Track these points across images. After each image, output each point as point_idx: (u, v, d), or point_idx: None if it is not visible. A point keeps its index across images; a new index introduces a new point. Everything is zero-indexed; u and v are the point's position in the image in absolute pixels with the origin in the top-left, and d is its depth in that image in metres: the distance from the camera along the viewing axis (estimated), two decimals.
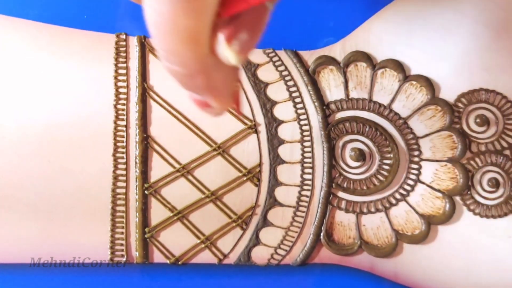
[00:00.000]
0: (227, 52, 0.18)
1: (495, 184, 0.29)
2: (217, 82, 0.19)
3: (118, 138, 0.30)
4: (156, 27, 0.17)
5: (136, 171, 0.29)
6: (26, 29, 0.30)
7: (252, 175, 0.30)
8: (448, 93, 0.30)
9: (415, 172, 0.30)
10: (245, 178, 0.30)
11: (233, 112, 0.30)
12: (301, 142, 0.30)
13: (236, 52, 0.18)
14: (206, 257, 0.29)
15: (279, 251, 0.30)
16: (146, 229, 0.29)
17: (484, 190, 0.30)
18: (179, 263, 0.29)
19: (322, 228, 0.30)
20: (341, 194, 0.30)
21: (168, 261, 0.29)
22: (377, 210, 0.30)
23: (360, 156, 0.30)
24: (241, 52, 0.18)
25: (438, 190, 0.30)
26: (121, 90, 0.30)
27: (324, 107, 0.30)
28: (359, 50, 0.31)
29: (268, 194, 0.30)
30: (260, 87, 0.31)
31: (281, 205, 0.30)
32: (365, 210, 0.30)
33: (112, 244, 0.29)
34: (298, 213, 0.30)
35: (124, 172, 0.29)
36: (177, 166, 0.30)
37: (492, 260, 0.29)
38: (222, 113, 0.22)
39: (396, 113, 0.30)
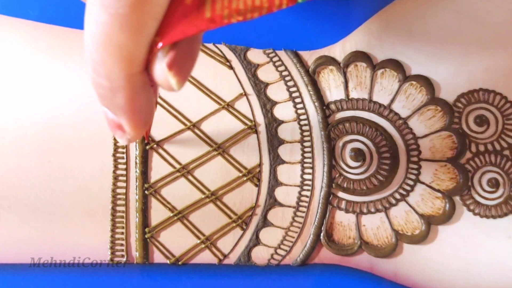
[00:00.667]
0: (170, 78, 0.18)
1: (495, 184, 0.29)
2: (137, 104, 0.19)
3: None
4: (91, 36, 0.17)
5: (136, 171, 0.29)
6: (26, 30, 0.30)
7: (252, 175, 0.30)
8: (448, 93, 0.30)
9: (415, 172, 0.30)
10: (245, 178, 0.30)
11: (232, 112, 0.30)
12: (301, 142, 0.30)
13: (178, 77, 0.18)
14: (206, 257, 0.29)
15: (279, 251, 0.30)
16: (146, 229, 0.29)
17: (484, 190, 0.30)
18: (179, 263, 0.29)
19: (322, 228, 0.30)
20: (341, 194, 0.30)
21: (168, 261, 0.29)
22: (377, 210, 0.30)
23: (360, 156, 0.30)
24: (182, 78, 0.18)
25: (438, 190, 0.30)
26: None
27: (324, 107, 0.30)
28: (359, 50, 0.31)
29: (268, 194, 0.30)
30: (260, 87, 0.31)
31: (281, 205, 0.30)
32: (365, 210, 0.30)
33: (112, 244, 0.29)
34: (298, 213, 0.30)
35: (124, 172, 0.29)
36: (177, 166, 0.30)
37: (492, 260, 0.29)
38: (132, 140, 0.21)
39: (396, 113, 0.30)
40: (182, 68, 0.18)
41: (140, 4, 0.16)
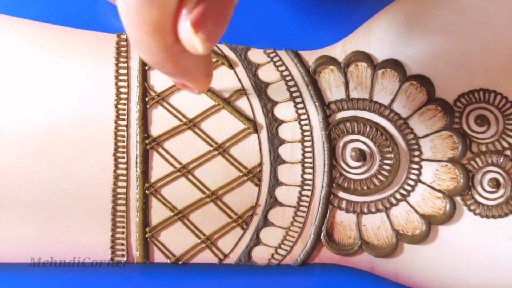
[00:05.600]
0: (194, 40, 0.18)
1: (496, 184, 0.29)
2: (188, 66, 0.20)
3: (118, 138, 0.30)
4: (126, 18, 0.18)
5: (136, 171, 0.29)
6: (27, 29, 0.30)
7: (253, 175, 0.30)
8: (448, 93, 0.30)
9: (416, 172, 0.30)
10: (245, 178, 0.30)
11: (233, 112, 0.30)
12: (301, 142, 0.30)
13: (203, 40, 0.18)
14: (206, 257, 0.29)
15: (279, 251, 0.30)
16: (147, 229, 0.29)
17: (485, 190, 0.30)
18: (180, 263, 0.29)
19: (323, 228, 0.30)
20: (341, 194, 0.30)
21: (168, 261, 0.29)
22: (378, 210, 0.30)
23: (361, 156, 0.30)
24: (207, 40, 0.18)
25: (439, 190, 0.30)
26: (122, 89, 0.30)
27: (325, 107, 0.30)
28: (359, 50, 0.31)
29: (268, 194, 0.30)
30: (260, 87, 0.31)
31: (281, 205, 0.30)
32: (365, 210, 0.30)
33: (112, 243, 0.29)
34: (299, 213, 0.30)
35: (124, 172, 0.29)
36: (178, 165, 0.30)
37: (492, 260, 0.29)
38: (201, 92, 0.23)
39: (396, 113, 0.30)
40: (207, 27, 0.18)
41: None
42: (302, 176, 0.30)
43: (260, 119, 0.30)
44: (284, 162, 0.30)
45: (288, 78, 0.31)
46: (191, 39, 0.18)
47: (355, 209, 0.30)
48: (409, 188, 0.30)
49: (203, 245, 0.29)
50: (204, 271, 0.30)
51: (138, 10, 0.17)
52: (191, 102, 0.30)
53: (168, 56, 0.19)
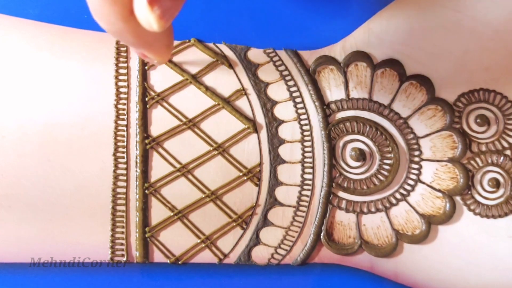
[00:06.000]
0: (149, 17, 0.18)
1: (496, 184, 0.29)
2: (148, 38, 0.20)
3: (118, 138, 0.30)
4: None
5: (136, 171, 0.29)
6: (27, 29, 0.30)
7: (253, 174, 0.30)
8: (448, 93, 0.30)
9: (416, 172, 0.30)
10: (245, 178, 0.30)
11: (232, 112, 0.30)
12: (301, 142, 0.30)
13: (158, 16, 0.18)
14: (206, 256, 0.29)
15: (279, 250, 0.30)
16: (147, 229, 0.29)
17: (485, 190, 0.30)
18: (179, 262, 0.29)
19: (323, 227, 0.30)
20: (341, 193, 0.30)
21: (168, 261, 0.29)
22: (378, 210, 0.30)
23: (361, 156, 0.30)
24: (162, 18, 0.18)
25: (439, 190, 0.30)
26: (121, 89, 0.30)
27: (325, 107, 0.30)
28: (359, 50, 0.31)
29: (268, 194, 0.30)
30: (260, 87, 0.31)
31: (281, 204, 0.30)
32: (365, 210, 0.30)
33: (112, 243, 0.29)
34: (299, 213, 0.30)
35: (124, 172, 0.29)
36: (178, 165, 0.30)
37: (492, 260, 0.29)
38: (161, 63, 0.24)
39: (396, 113, 0.30)
40: (164, 8, 0.18)
41: None
42: (302, 175, 0.30)
43: (260, 118, 0.30)
44: (284, 162, 0.30)
45: (288, 78, 0.31)
46: (147, 16, 0.18)
47: (355, 209, 0.30)
48: (409, 187, 0.30)
49: (203, 245, 0.29)
50: (203, 271, 0.29)
51: None
52: (191, 102, 0.30)
53: (127, 26, 0.19)
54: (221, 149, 0.30)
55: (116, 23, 0.19)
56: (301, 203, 0.30)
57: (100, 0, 0.18)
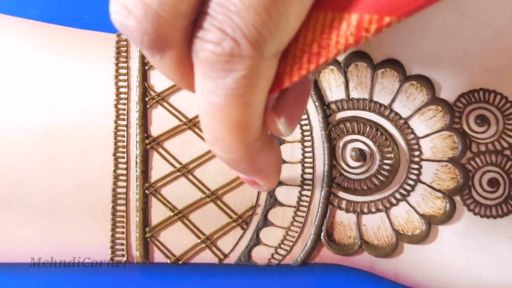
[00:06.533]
0: (280, 126, 0.18)
1: (495, 184, 0.29)
2: (262, 164, 0.20)
3: (118, 138, 0.30)
4: (207, 115, 0.17)
5: (136, 171, 0.29)
6: (27, 29, 0.30)
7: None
8: (448, 93, 0.30)
9: (416, 172, 0.30)
10: None
11: None
12: (301, 142, 0.30)
13: (286, 125, 0.18)
14: (206, 256, 0.29)
15: (279, 251, 0.30)
16: (147, 229, 0.29)
17: (484, 190, 0.30)
18: (180, 262, 0.29)
19: (323, 228, 0.30)
20: (341, 194, 0.30)
21: (168, 261, 0.29)
22: (378, 210, 0.30)
23: (361, 156, 0.30)
24: (290, 124, 0.18)
25: (439, 190, 0.30)
26: (121, 89, 0.30)
27: (325, 107, 0.30)
28: (359, 50, 0.31)
29: (268, 194, 0.30)
30: None
31: (281, 205, 0.30)
32: (365, 210, 0.30)
33: (112, 243, 0.29)
34: (299, 213, 0.30)
35: (124, 172, 0.29)
36: (178, 165, 0.30)
37: (492, 260, 0.29)
38: (270, 188, 0.23)
39: (396, 113, 0.30)
40: (289, 112, 0.18)
41: (253, 81, 0.16)
42: (302, 176, 0.30)
43: None
44: (284, 162, 0.30)
45: None
46: (277, 125, 0.18)
47: (355, 209, 0.30)
48: (409, 188, 0.30)
49: (203, 245, 0.29)
50: (204, 271, 0.29)
51: (224, 110, 0.16)
52: (191, 102, 0.30)
53: (246, 154, 0.18)
54: None
55: (237, 151, 0.18)
56: (301, 203, 0.30)
57: (225, 131, 0.17)
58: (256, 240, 0.30)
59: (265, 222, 0.30)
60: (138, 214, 0.29)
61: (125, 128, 0.30)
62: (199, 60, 0.16)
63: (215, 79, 0.16)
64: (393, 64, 0.30)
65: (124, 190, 0.29)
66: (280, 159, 0.22)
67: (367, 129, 0.30)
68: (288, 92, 0.19)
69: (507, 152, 0.30)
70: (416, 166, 0.30)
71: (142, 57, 0.31)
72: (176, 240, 0.29)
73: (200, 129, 0.30)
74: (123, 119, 0.30)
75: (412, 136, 0.30)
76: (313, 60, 0.16)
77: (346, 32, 0.16)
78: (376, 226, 0.30)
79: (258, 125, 0.18)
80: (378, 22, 0.15)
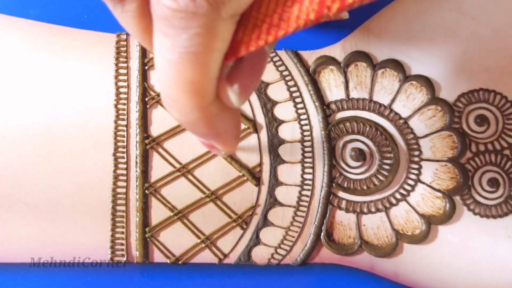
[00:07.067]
0: (231, 95, 0.18)
1: (495, 184, 0.29)
2: (220, 129, 0.19)
3: (118, 138, 0.30)
4: (163, 74, 0.17)
5: (136, 171, 0.29)
6: (27, 29, 0.30)
7: (253, 175, 0.30)
8: (448, 93, 0.30)
9: (415, 172, 0.30)
10: (245, 178, 0.30)
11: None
12: (301, 142, 0.30)
13: (238, 94, 0.18)
14: (206, 256, 0.29)
15: (279, 250, 0.30)
16: (147, 229, 0.29)
17: (484, 190, 0.30)
18: (179, 262, 0.29)
19: (323, 228, 0.30)
20: (341, 194, 0.30)
21: (168, 261, 0.29)
22: (377, 210, 0.30)
23: (361, 156, 0.30)
24: (242, 94, 0.18)
25: (438, 190, 0.30)
26: (121, 90, 0.30)
27: (325, 107, 0.31)
28: (359, 50, 0.31)
29: (268, 194, 0.30)
30: (260, 87, 0.31)
31: (281, 205, 0.30)
32: (365, 210, 0.30)
33: (112, 243, 0.29)
34: (299, 213, 0.30)
35: (124, 172, 0.29)
36: (178, 165, 0.30)
37: (492, 260, 0.29)
38: (229, 153, 0.23)
39: (396, 113, 0.30)
40: (242, 82, 0.18)
41: (209, 41, 0.16)
42: (302, 176, 0.30)
43: (260, 119, 0.30)
44: (284, 162, 0.30)
45: (288, 78, 0.31)
46: (228, 93, 0.18)
47: (355, 209, 0.30)
48: (408, 188, 0.30)
49: (203, 245, 0.29)
50: (203, 271, 0.29)
51: (179, 69, 0.16)
52: None
53: (202, 116, 0.18)
54: None
55: (192, 113, 0.18)
56: (301, 203, 0.30)
57: (179, 91, 0.17)
58: (256, 240, 0.30)
59: (265, 222, 0.30)
60: (138, 214, 0.29)
61: (125, 128, 0.30)
62: (156, 15, 0.16)
63: (171, 36, 0.16)
64: (393, 63, 0.30)
65: (124, 190, 0.29)
66: (239, 125, 0.22)
67: (367, 129, 0.30)
68: (243, 61, 0.18)
69: (507, 152, 0.30)
70: (415, 166, 0.30)
71: (142, 57, 0.31)
72: (176, 240, 0.29)
73: None
74: (123, 119, 0.30)
75: (411, 136, 0.30)
76: (271, 32, 0.17)
77: (309, 7, 0.16)
78: (376, 226, 0.30)
79: (213, 89, 0.18)
80: (341, 1, 0.15)
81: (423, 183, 0.30)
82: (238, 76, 0.18)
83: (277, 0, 0.16)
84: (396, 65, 0.30)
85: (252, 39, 0.17)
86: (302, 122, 0.30)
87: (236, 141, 0.22)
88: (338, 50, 0.31)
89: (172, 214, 0.29)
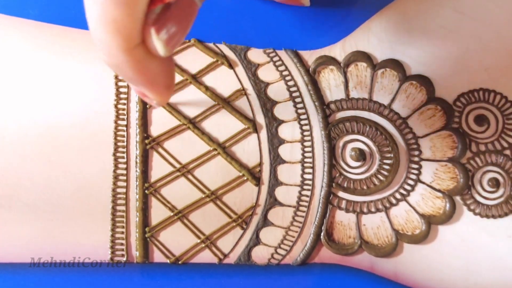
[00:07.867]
0: (156, 42, 0.18)
1: (495, 184, 0.29)
2: (149, 74, 0.19)
3: (118, 138, 0.30)
4: (89, 13, 0.17)
5: (136, 171, 0.29)
6: (27, 29, 0.30)
7: (253, 175, 0.30)
8: (448, 93, 0.30)
9: (415, 172, 0.30)
10: (245, 178, 0.30)
11: (232, 112, 0.30)
12: (301, 142, 0.30)
13: (164, 42, 0.18)
14: (206, 256, 0.29)
15: (279, 250, 0.30)
16: (147, 229, 0.29)
17: (484, 190, 0.30)
18: (179, 262, 0.29)
19: (323, 227, 0.30)
20: (341, 193, 0.30)
21: (168, 261, 0.29)
22: (377, 210, 0.30)
23: (361, 156, 0.30)
24: (168, 43, 0.18)
25: (438, 190, 0.30)
26: (121, 90, 0.30)
27: (324, 107, 0.31)
28: (359, 50, 0.31)
29: (268, 194, 0.30)
30: (260, 87, 0.31)
31: (281, 204, 0.30)
32: (365, 210, 0.30)
33: (112, 243, 0.29)
34: (299, 213, 0.30)
35: (124, 172, 0.29)
36: (178, 165, 0.30)
37: (492, 260, 0.29)
38: (161, 104, 0.22)
39: (396, 113, 0.30)
40: (169, 31, 0.18)
41: None
42: (302, 176, 0.30)
43: (260, 118, 0.30)
44: (284, 162, 0.30)
45: (288, 78, 0.31)
46: (153, 40, 0.18)
47: (354, 209, 0.30)
48: (408, 187, 0.30)
49: (203, 245, 0.29)
50: (203, 271, 0.30)
51: (102, 5, 0.17)
52: (190, 102, 0.30)
53: (128, 59, 0.18)
54: (221, 149, 0.30)
55: (117, 55, 0.18)
56: (301, 203, 0.30)
57: (103, 30, 0.17)
58: (256, 240, 0.30)
59: (265, 222, 0.30)
60: (138, 214, 0.29)
61: (125, 128, 0.30)
62: None
63: None
64: (393, 63, 0.30)
65: (124, 190, 0.29)
66: (173, 73, 0.21)
67: (367, 129, 0.30)
68: (171, 9, 0.18)
69: (507, 152, 0.30)
70: (415, 166, 0.30)
71: None
72: (176, 240, 0.29)
73: (200, 129, 0.30)
74: (123, 119, 0.30)
75: (411, 135, 0.30)
76: None
77: None
78: (375, 226, 0.30)
79: (137, 31, 0.18)
80: None
81: (423, 183, 0.30)
82: (164, 24, 0.18)
83: None
84: (396, 65, 0.30)
85: None
86: (302, 122, 0.30)
87: (168, 91, 0.21)
88: (338, 50, 0.31)
89: (172, 214, 0.29)
